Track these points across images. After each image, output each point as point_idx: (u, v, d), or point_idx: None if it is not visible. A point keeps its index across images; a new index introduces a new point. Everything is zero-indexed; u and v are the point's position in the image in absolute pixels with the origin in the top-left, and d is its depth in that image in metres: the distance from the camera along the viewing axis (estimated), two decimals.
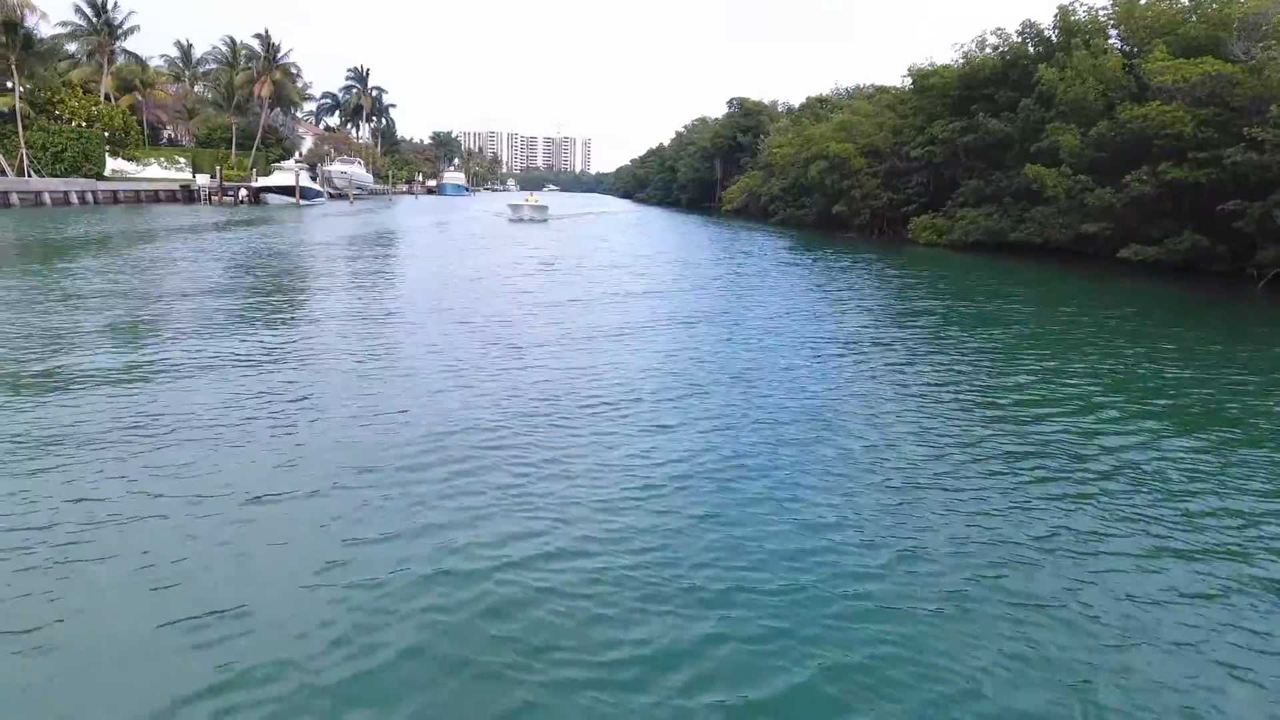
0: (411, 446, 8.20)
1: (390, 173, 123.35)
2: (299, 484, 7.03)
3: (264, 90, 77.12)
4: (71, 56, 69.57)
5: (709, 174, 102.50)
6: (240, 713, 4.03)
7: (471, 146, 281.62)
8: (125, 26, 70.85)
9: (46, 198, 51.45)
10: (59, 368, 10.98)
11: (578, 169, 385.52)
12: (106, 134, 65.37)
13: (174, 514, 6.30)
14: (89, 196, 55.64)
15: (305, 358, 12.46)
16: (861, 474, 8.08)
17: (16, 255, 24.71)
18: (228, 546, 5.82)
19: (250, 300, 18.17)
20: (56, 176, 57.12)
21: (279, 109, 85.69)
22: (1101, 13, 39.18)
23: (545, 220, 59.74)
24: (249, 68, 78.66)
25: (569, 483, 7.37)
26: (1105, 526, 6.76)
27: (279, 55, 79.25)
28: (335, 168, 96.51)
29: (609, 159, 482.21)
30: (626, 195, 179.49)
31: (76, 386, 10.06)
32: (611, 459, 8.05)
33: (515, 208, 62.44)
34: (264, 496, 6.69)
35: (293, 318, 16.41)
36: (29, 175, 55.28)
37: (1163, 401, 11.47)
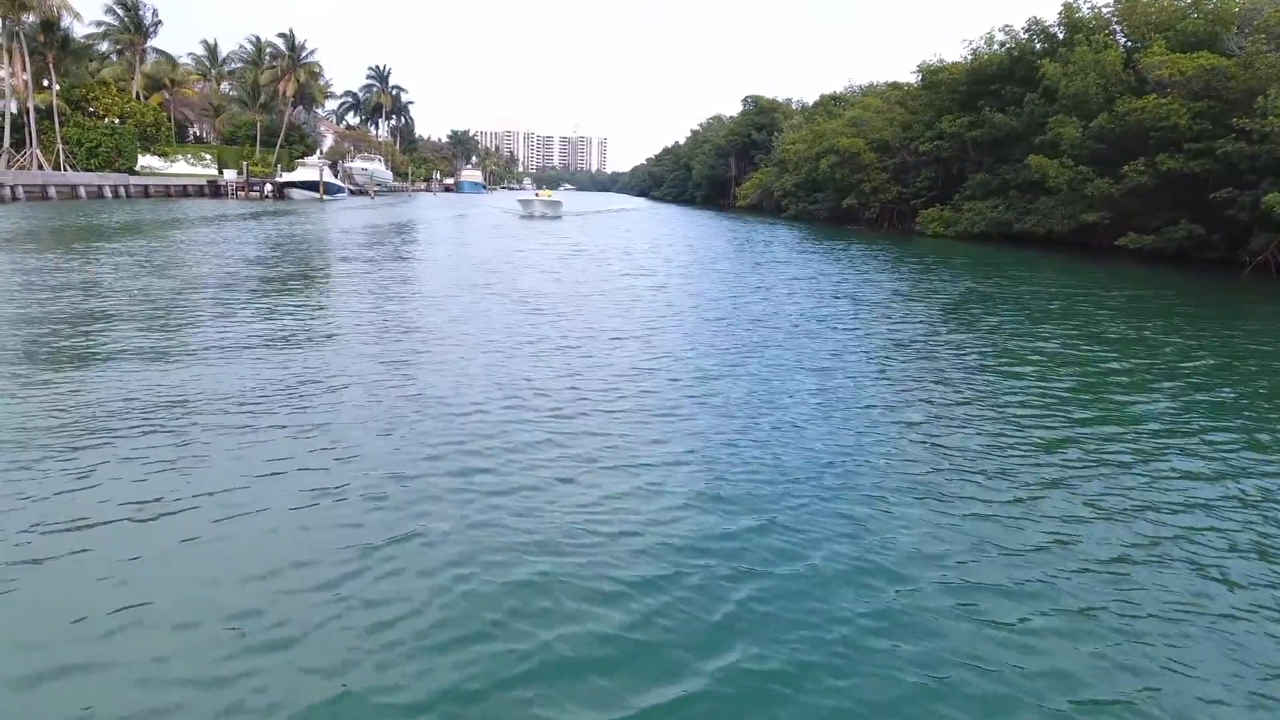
0: (446, 397, 9.54)
1: (409, 170, 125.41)
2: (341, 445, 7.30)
3: (288, 89, 78.96)
4: (104, 55, 71.79)
5: (723, 171, 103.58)
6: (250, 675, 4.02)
7: (489, 145, 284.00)
8: (151, 24, 73.12)
9: (82, 191, 53.47)
10: (108, 332, 12.45)
11: (593, 168, 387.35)
12: (138, 130, 67.42)
13: (221, 469, 6.58)
14: (121, 190, 57.70)
15: (348, 319, 13.92)
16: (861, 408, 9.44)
17: (65, 239, 26.36)
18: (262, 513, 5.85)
19: (291, 271, 19.67)
20: (91, 171, 59.15)
21: (302, 107, 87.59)
22: (1105, 9, 40.14)
23: (559, 217, 56.08)
24: (274, 66, 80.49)
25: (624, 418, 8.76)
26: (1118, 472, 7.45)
27: (303, 54, 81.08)
28: (356, 164, 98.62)
29: (625, 158, 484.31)
30: (642, 193, 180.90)
31: (135, 348, 11.51)
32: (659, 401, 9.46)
33: (526, 203, 59.02)
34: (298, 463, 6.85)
35: (333, 285, 17.92)
36: (65, 169, 57.31)
37: (1153, 363, 12.70)
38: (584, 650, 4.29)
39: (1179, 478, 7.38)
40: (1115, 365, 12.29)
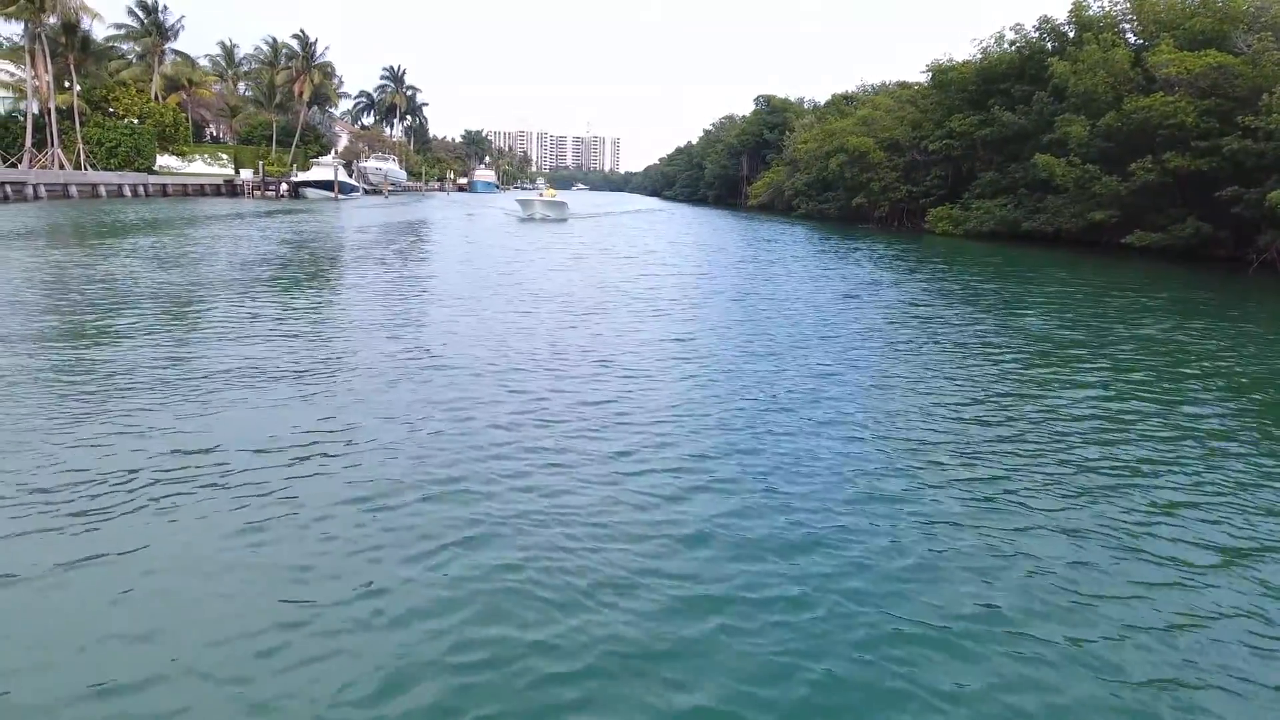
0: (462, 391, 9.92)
1: (423, 170, 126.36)
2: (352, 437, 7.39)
3: (303, 89, 79.86)
4: (123, 56, 72.93)
5: (735, 171, 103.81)
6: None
7: (502, 145, 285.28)
8: (173, 27, 74.51)
9: (102, 190, 54.44)
10: (139, 320, 12.97)
11: (607, 168, 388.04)
12: (156, 130, 68.45)
13: (227, 471, 6.45)
14: (140, 189, 58.65)
15: (361, 312, 14.40)
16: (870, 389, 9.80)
17: (85, 236, 27.02)
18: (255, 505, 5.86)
19: (306, 268, 20.19)
20: (110, 170, 60.11)
21: (317, 107, 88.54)
22: (1115, 8, 40.20)
23: (564, 219, 50.79)
24: (289, 67, 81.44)
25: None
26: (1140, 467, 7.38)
27: (316, 55, 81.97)
28: (370, 164, 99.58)
29: (638, 158, 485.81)
30: (654, 193, 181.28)
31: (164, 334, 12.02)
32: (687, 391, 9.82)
33: (525, 204, 52.13)
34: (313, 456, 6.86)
35: (347, 283, 18.43)
36: (86, 169, 58.26)
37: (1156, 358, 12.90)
38: (615, 675, 4.09)
39: (1248, 488, 6.96)
40: (1163, 367, 11.84)
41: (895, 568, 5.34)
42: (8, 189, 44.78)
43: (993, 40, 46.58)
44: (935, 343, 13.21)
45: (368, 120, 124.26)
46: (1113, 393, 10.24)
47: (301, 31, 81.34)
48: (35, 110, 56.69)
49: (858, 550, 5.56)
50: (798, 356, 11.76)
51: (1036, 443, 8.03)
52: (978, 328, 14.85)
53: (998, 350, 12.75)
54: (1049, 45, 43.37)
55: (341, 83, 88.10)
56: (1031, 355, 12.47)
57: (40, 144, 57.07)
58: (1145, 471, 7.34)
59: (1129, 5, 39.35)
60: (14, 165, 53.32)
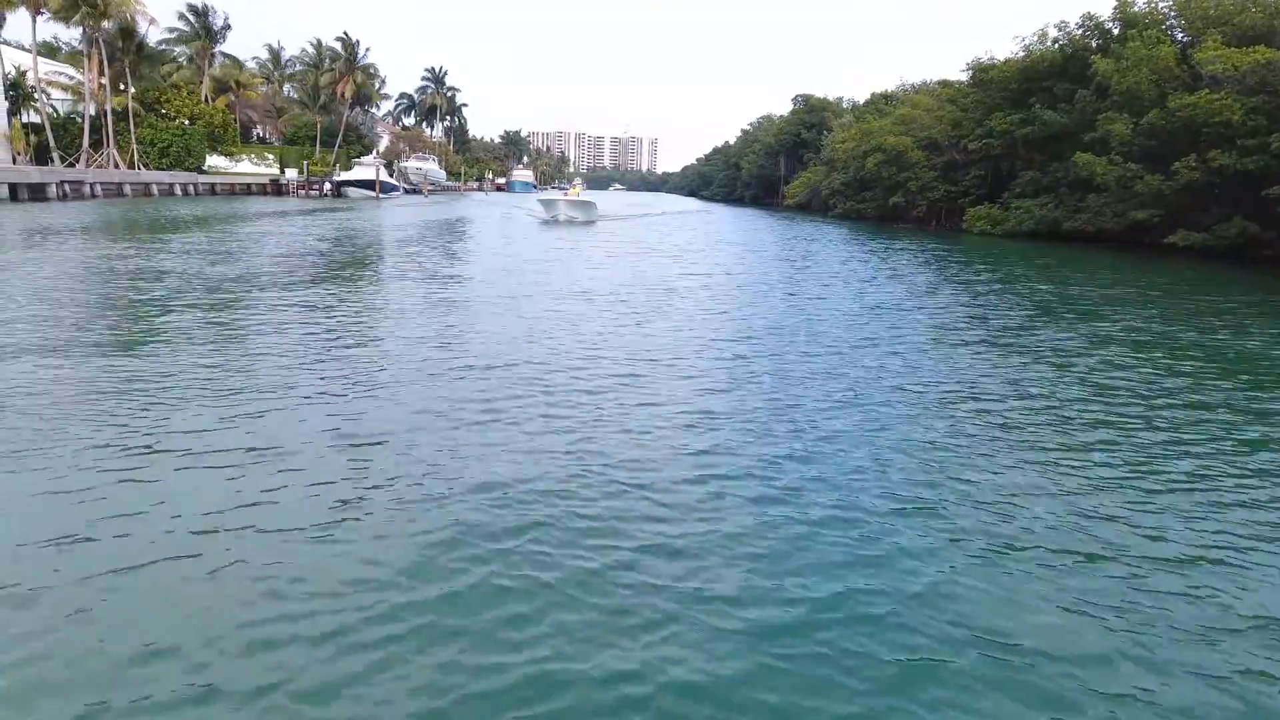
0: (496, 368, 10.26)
1: (462, 170, 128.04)
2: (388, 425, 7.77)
3: (346, 90, 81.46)
4: (175, 60, 75.28)
5: (773, 170, 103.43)
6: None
7: (540, 146, 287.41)
8: (220, 29, 76.76)
9: (154, 189, 56.33)
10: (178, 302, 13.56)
11: (644, 168, 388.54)
12: (206, 131, 70.51)
13: (253, 451, 6.56)
14: (190, 188, 60.55)
15: (399, 306, 14.86)
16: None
17: (138, 231, 28.09)
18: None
19: (346, 262, 20.83)
20: (162, 170, 62.10)
21: (359, 108, 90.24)
22: (1161, 4, 39.43)
23: (592, 222, 45.67)
24: (332, 69, 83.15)
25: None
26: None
27: (359, 57, 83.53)
28: (411, 164, 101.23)
29: (675, 158, 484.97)
30: (692, 193, 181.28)
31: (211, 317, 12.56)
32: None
33: (548, 205, 46.63)
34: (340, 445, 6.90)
35: (385, 275, 18.97)
36: (139, 168, 60.26)
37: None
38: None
39: None
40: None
41: (962, 587, 5.00)
42: (66, 187, 46.55)
43: (1035, 38, 45.94)
44: (993, 344, 12.81)
45: (409, 121, 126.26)
46: (1192, 399, 9.67)
47: (345, 34, 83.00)
48: (92, 112, 58.77)
49: (933, 566, 5.24)
50: (851, 359, 11.32)
51: (1117, 451, 7.59)
52: (1043, 332, 14.17)
53: (1067, 354, 12.09)
54: (1093, 43, 42.64)
55: (383, 84, 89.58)
56: (1101, 361, 11.70)
57: (96, 144, 59.17)
58: (1231, 484, 6.89)
59: (1175, 2, 38.58)
60: (72, 165, 55.37)
